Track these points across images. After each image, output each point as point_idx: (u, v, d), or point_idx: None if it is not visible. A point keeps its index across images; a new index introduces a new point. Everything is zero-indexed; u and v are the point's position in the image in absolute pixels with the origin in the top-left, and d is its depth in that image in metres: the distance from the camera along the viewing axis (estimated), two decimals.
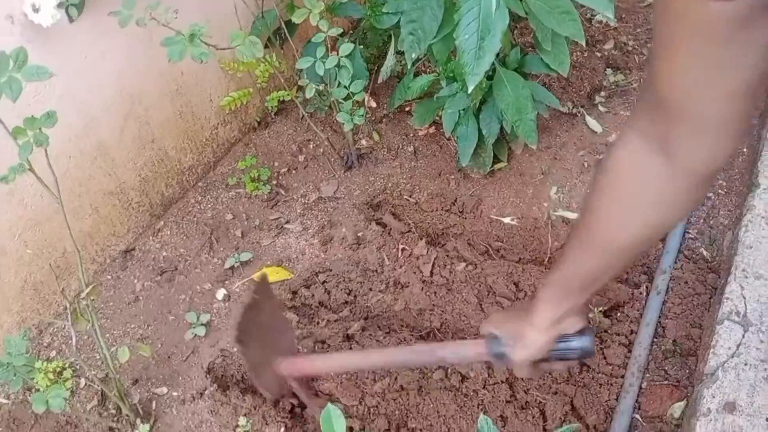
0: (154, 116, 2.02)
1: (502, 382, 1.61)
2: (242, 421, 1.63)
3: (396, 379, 1.68)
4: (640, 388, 1.56)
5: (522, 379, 1.62)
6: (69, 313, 1.43)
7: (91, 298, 1.49)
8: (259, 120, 2.44)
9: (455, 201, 2.13)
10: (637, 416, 1.52)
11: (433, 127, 2.34)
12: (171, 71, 2.03)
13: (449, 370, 1.67)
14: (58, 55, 1.67)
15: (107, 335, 1.87)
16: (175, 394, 1.75)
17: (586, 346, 1.03)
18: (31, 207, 1.73)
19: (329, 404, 1.41)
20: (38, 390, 1.51)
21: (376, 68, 2.32)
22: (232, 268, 2.02)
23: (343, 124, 1.93)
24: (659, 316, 1.67)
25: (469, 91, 1.54)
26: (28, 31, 1.55)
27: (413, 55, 1.65)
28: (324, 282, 1.97)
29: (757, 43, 0.61)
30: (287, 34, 1.93)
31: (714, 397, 1.34)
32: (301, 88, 2.14)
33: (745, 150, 2.09)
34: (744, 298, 1.49)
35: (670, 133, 0.72)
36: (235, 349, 1.39)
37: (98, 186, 1.92)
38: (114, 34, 1.73)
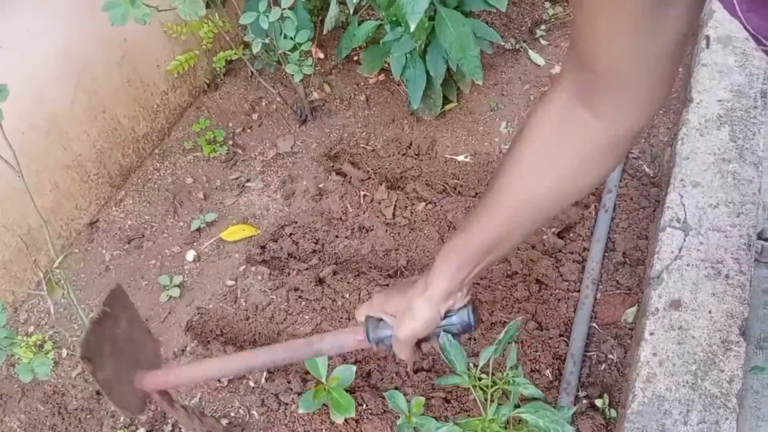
0: (102, 86, 2.02)
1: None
2: None
3: None
4: (595, 299, 1.67)
5: (485, 301, 1.72)
6: (44, 283, 1.46)
7: (64, 267, 1.52)
8: (208, 82, 2.45)
9: (410, 144, 2.19)
10: (594, 324, 1.63)
11: (383, 74, 2.38)
12: (115, 38, 2.02)
13: None
14: (1, 29, 1.65)
15: (83, 306, 1.90)
16: None
17: (465, 320, 1.01)
18: None
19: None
20: (21, 362, 1.55)
21: (320, 20, 2.34)
22: (198, 229, 2.06)
23: (293, 75, 1.95)
24: (608, 232, 1.78)
25: (411, 30, 1.59)
26: None
27: (354, 0, 1.68)
28: (291, 234, 2.03)
29: (678, 6, 0.63)
30: None
31: (660, 297, 1.46)
32: (247, 46, 2.15)
33: (680, 69, 2.19)
34: (683, 205, 1.60)
35: (595, 93, 0.73)
36: (87, 370, 1.14)
37: (55, 161, 1.92)
38: (56, 3, 1.71)
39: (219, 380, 1.70)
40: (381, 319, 1.05)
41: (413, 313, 0.97)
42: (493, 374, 1.15)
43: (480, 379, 1.12)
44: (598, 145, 0.77)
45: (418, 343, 1.05)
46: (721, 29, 2.00)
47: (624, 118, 0.73)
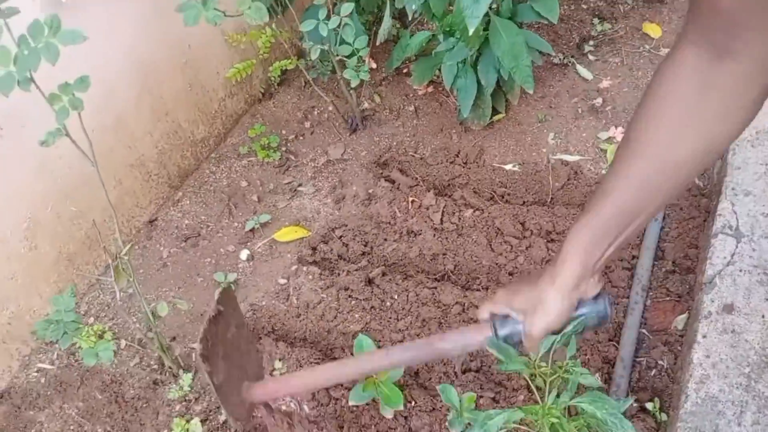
0: (166, 89, 2.11)
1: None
2: (278, 364, 1.75)
3: (417, 316, 1.80)
4: (645, 305, 1.68)
5: None
6: (112, 269, 1.53)
7: (128, 257, 1.59)
8: (263, 91, 2.54)
9: (458, 153, 2.24)
10: (644, 331, 1.64)
11: (432, 86, 2.44)
12: (180, 44, 2.12)
13: (466, 303, 1.79)
14: (74, 24, 1.75)
15: (145, 298, 1.97)
16: None
17: (601, 310, 0.94)
18: (61, 179, 1.83)
19: (360, 334, 1.53)
20: (82, 350, 1.62)
21: (372, 32, 2.42)
22: (252, 230, 2.13)
23: (349, 81, 2.02)
24: (658, 241, 1.79)
25: (470, 33, 1.64)
26: (47, 6, 1.63)
27: (413, 6, 1.74)
28: (341, 237, 2.08)
29: None
30: (288, 1, 2.02)
31: (713, 301, 1.46)
32: (302, 56, 2.24)
33: None
34: (735, 213, 1.61)
35: (735, 39, 0.69)
36: (203, 370, 1.08)
37: (120, 158, 2.01)
38: (125, 5, 1.81)
39: (271, 373, 1.75)
40: (507, 316, 1.00)
41: (545, 305, 0.91)
42: (553, 366, 1.17)
43: (539, 367, 1.14)
44: (736, 87, 0.73)
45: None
46: None
47: (756, 52, 0.69)
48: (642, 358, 1.60)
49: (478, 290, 1.84)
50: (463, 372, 1.68)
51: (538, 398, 1.16)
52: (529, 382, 1.16)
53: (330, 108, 2.41)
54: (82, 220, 1.94)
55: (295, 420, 1.38)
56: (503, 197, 2.12)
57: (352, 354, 1.65)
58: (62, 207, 1.86)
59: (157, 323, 1.86)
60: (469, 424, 1.44)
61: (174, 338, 1.89)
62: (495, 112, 2.26)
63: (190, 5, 1.56)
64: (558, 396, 1.14)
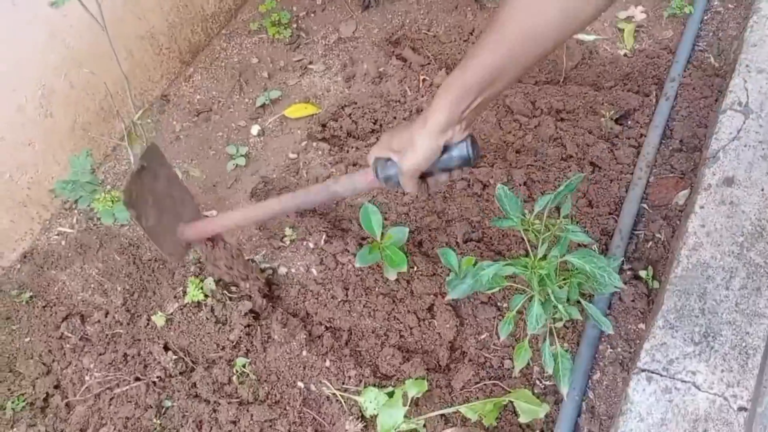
0: None
1: (521, 185, 1.76)
2: (288, 231, 1.82)
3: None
4: (648, 181, 1.70)
5: (538, 181, 1.77)
6: (126, 134, 1.57)
7: (143, 120, 1.63)
8: None
9: (473, 31, 2.20)
10: (645, 205, 1.67)
11: None
12: None
13: (471, 179, 1.82)
14: None
15: None
16: None
17: (464, 153, 1.03)
18: (73, 47, 1.84)
19: (366, 203, 1.57)
20: (99, 211, 1.69)
21: None
22: (263, 106, 2.14)
23: None
24: (667, 120, 1.78)
25: None
26: None
27: None
28: (350, 114, 2.09)
29: None
30: None
31: (714, 174, 1.48)
32: None
33: None
34: (746, 90, 1.59)
35: None
36: (131, 216, 1.28)
37: (130, 29, 2.01)
38: None
39: (281, 240, 1.82)
40: (389, 159, 1.09)
41: (414, 146, 1.02)
42: (546, 222, 1.22)
43: (533, 224, 1.19)
44: None
45: (423, 178, 1.10)
46: None
47: None
48: (640, 231, 1.64)
49: (483, 166, 1.86)
50: (465, 241, 1.74)
51: (531, 253, 1.21)
52: (525, 240, 1.21)
53: None
54: (96, 90, 1.96)
55: (234, 252, 1.55)
56: None
57: (360, 226, 1.70)
58: (75, 76, 1.88)
59: None
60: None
61: None
62: None
63: None
64: (549, 251, 1.19)
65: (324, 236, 1.80)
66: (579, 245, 1.42)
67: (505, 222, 1.19)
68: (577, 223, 1.66)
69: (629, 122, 1.84)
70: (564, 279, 1.22)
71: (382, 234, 1.64)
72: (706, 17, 2.02)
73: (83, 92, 1.93)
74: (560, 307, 1.16)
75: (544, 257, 1.18)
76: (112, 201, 1.83)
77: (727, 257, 1.36)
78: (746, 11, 2.01)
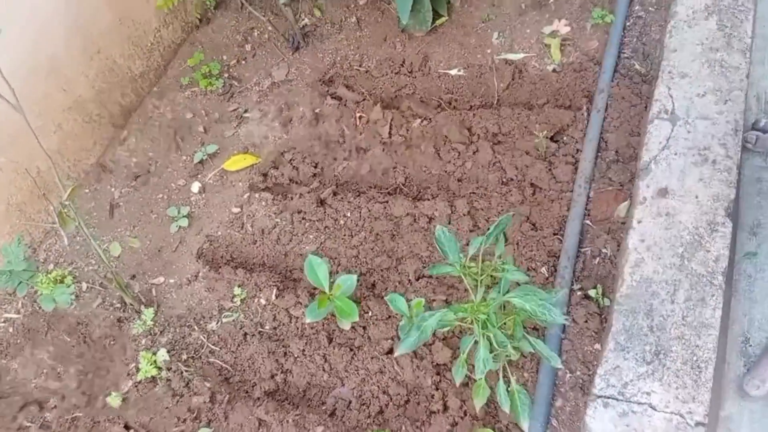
0: (95, 26, 2.04)
1: (464, 215, 1.75)
2: (237, 291, 1.78)
3: (371, 231, 1.82)
4: (588, 197, 1.70)
5: (480, 208, 1.76)
6: (56, 216, 1.53)
7: (72, 198, 1.59)
8: (199, 17, 2.45)
9: (403, 62, 2.20)
10: (588, 222, 1.67)
11: None
12: None
13: (417, 214, 1.81)
14: None
15: (98, 242, 1.98)
16: (171, 281, 1.89)
17: None
18: None
19: (310, 255, 1.55)
20: (43, 294, 1.64)
21: None
22: (201, 162, 2.11)
23: (282, 2, 1.95)
24: (601, 132, 1.79)
25: None
26: None
27: None
28: (291, 160, 2.07)
29: None
30: None
31: (648, 186, 1.49)
32: None
33: None
34: (671, 97, 1.61)
35: None
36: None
37: (56, 103, 1.96)
38: None
39: (231, 300, 1.78)
40: None
41: None
42: (483, 263, 1.20)
43: (469, 267, 1.18)
44: None
45: None
46: None
47: None
48: (587, 248, 1.64)
49: (428, 199, 1.86)
50: (417, 278, 1.72)
51: (473, 296, 1.20)
52: (465, 283, 1.20)
53: (270, 28, 2.33)
54: (27, 168, 1.91)
55: None
56: (450, 103, 2.10)
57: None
58: (2, 159, 1.83)
59: (114, 263, 1.88)
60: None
61: (134, 276, 1.91)
62: (437, 15, 2.20)
63: None
64: (488, 294, 1.18)
65: (275, 290, 1.77)
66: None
67: (442, 269, 1.18)
68: (523, 248, 1.66)
69: (564, 138, 1.85)
70: (509, 316, 1.20)
71: (331, 284, 1.62)
72: (628, 23, 2.04)
73: (13, 173, 1.89)
74: (508, 347, 1.14)
75: (484, 299, 1.17)
76: (54, 282, 1.78)
77: (669, 270, 1.36)
78: (667, 13, 2.04)
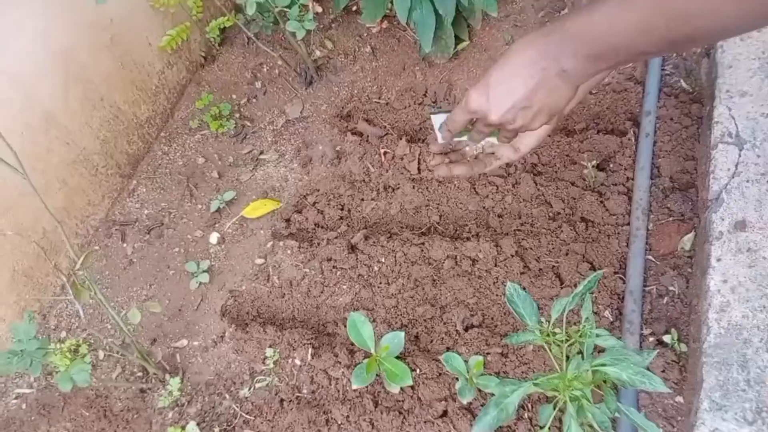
0: (94, 72, 1.90)
1: (512, 256, 1.62)
2: (269, 352, 1.63)
3: (409, 277, 1.68)
4: (648, 230, 1.57)
5: (529, 248, 1.62)
6: (69, 287, 1.38)
7: (86, 267, 1.44)
8: (204, 55, 2.32)
9: (426, 92, 2.07)
10: (650, 257, 1.54)
11: (386, 21, 2.24)
12: (99, 20, 1.89)
13: (458, 257, 1.67)
14: None
15: (112, 303, 1.83)
16: (195, 343, 1.74)
17: None
18: None
19: (352, 313, 1.40)
20: (59, 371, 1.49)
21: None
22: (218, 210, 1.97)
23: (294, 34, 1.83)
24: (652, 158, 1.67)
25: None
26: None
27: None
28: (314, 203, 1.94)
29: None
30: None
31: (723, 219, 1.35)
32: (239, 11, 2.03)
33: None
34: (733, 118, 1.48)
35: None
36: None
37: (59, 158, 1.82)
38: None
39: (263, 362, 1.64)
40: None
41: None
42: (566, 330, 1.06)
43: (554, 334, 1.04)
44: None
45: None
46: None
47: None
48: (651, 286, 1.51)
49: (468, 239, 1.72)
50: (466, 329, 1.58)
51: (556, 366, 1.05)
52: (548, 352, 1.06)
53: (280, 63, 2.21)
54: (31, 232, 1.77)
55: None
56: None
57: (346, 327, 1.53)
58: (5, 223, 1.69)
59: (133, 329, 1.73)
60: (479, 390, 1.35)
61: (154, 340, 1.76)
62: (459, 40, 2.08)
63: None
64: (577, 359, 1.04)
65: (310, 349, 1.63)
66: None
67: (522, 337, 1.04)
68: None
69: (611, 166, 1.72)
70: (595, 385, 1.06)
71: (376, 343, 1.48)
72: None
73: (17, 238, 1.74)
74: (596, 426, 1.00)
75: (575, 370, 1.03)
76: (69, 352, 1.63)
77: (760, 314, 1.23)
78: None
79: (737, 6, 0.66)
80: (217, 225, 1.95)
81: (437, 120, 1.05)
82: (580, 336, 1.02)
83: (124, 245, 1.96)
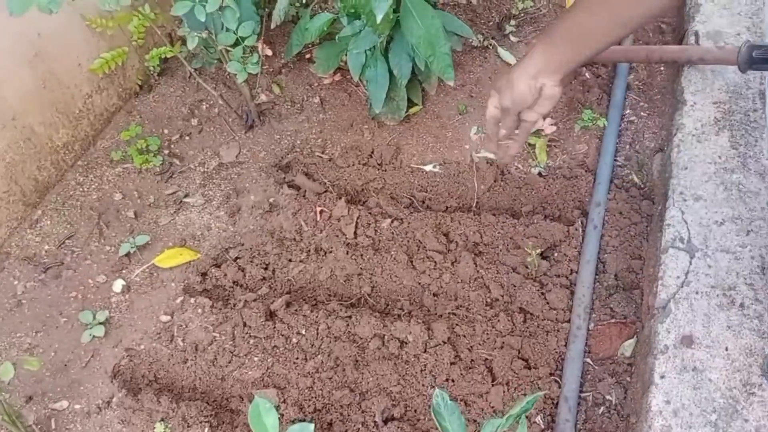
0: (10, 89, 1.71)
1: (444, 342, 1.48)
2: (159, 427, 1.43)
3: (329, 355, 1.52)
4: (588, 330, 1.47)
5: (462, 335, 1.50)
6: None
7: None
8: (140, 83, 2.16)
9: (372, 153, 1.96)
10: (588, 360, 1.43)
11: (339, 74, 2.14)
12: (25, 33, 1.72)
13: (386, 336, 1.52)
14: None
15: None
16: (77, 407, 1.52)
17: None
18: None
19: (256, 396, 1.22)
20: None
21: (267, 13, 2.08)
22: (128, 254, 1.77)
23: (236, 75, 1.69)
24: (598, 252, 1.58)
25: (378, 21, 1.35)
26: None
27: None
28: (236, 258, 1.77)
29: None
30: None
31: (669, 332, 1.26)
32: (184, 42, 1.89)
33: (662, 68, 2.02)
34: (686, 222, 1.41)
35: None
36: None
37: None
38: None
39: None
40: None
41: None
42: None
43: None
44: None
45: None
46: (710, 24, 1.83)
47: None
48: (588, 393, 1.39)
49: (398, 317, 1.58)
50: (385, 422, 1.42)
51: None
52: None
53: (220, 102, 2.06)
54: None
55: None
56: (424, 203, 1.86)
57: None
58: None
59: (7, 384, 1.50)
60: None
61: (30, 398, 1.53)
62: (411, 103, 1.99)
63: None
64: None
65: (207, 429, 1.43)
66: None
67: None
68: (515, 390, 1.39)
69: (556, 255, 1.62)
70: None
71: None
72: (619, 128, 1.88)
73: None
74: None
75: None
76: None
77: None
78: (661, 119, 1.89)
79: None
80: (124, 271, 1.75)
81: None
82: None
83: (15, 283, 1.74)
